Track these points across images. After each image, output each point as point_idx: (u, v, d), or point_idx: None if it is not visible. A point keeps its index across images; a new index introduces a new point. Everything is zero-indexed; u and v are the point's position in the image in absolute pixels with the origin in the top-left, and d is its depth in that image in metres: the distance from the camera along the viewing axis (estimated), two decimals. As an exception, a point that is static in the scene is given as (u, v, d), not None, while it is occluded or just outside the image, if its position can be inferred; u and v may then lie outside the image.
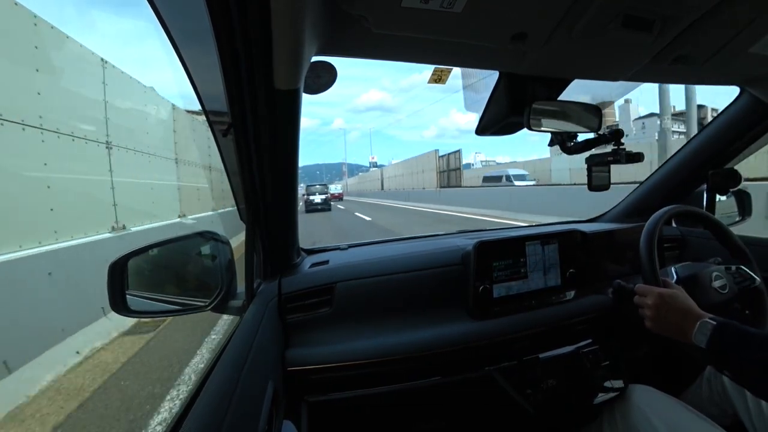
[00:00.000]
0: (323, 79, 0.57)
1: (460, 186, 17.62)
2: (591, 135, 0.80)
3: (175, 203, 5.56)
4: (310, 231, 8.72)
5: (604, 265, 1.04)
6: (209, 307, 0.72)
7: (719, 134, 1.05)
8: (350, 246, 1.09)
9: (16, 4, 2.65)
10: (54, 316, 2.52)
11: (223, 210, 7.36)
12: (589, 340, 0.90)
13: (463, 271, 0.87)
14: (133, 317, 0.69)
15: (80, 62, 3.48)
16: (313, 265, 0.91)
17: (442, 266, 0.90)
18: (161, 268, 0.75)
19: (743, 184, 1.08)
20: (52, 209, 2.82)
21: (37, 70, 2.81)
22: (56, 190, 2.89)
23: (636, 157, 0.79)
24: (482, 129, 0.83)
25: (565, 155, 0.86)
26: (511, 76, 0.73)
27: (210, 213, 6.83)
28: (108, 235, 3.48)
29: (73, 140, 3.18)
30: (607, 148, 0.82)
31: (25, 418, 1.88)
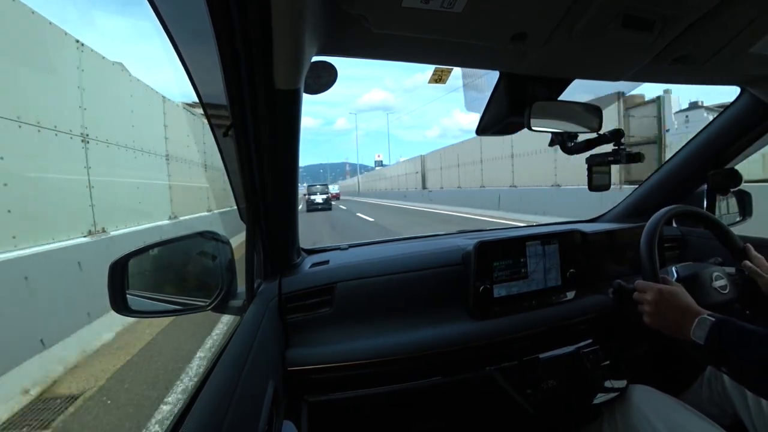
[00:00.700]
0: (323, 79, 0.57)
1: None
2: (592, 135, 0.80)
3: (166, 203, 5.27)
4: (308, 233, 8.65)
5: (605, 265, 1.04)
6: (209, 307, 0.72)
7: (720, 134, 1.05)
8: (350, 246, 1.09)
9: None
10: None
11: (219, 210, 7.14)
12: (590, 340, 0.90)
13: (464, 271, 0.87)
14: (134, 317, 0.69)
15: (50, 42, 3.02)
16: (314, 265, 0.91)
17: (443, 266, 0.90)
18: (161, 268, 0.75)
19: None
20: (9, 211, 2.47)
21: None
22: (15, 189, 2.52)
23: (636, 158, 0.79)
24: (483, 129, 0.83)
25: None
26: (511, 76, 0.73)
27: (206, 213, 6.60)
28: (83, 239, 3.11)
29: (39, 131, 2.81)
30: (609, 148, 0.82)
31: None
